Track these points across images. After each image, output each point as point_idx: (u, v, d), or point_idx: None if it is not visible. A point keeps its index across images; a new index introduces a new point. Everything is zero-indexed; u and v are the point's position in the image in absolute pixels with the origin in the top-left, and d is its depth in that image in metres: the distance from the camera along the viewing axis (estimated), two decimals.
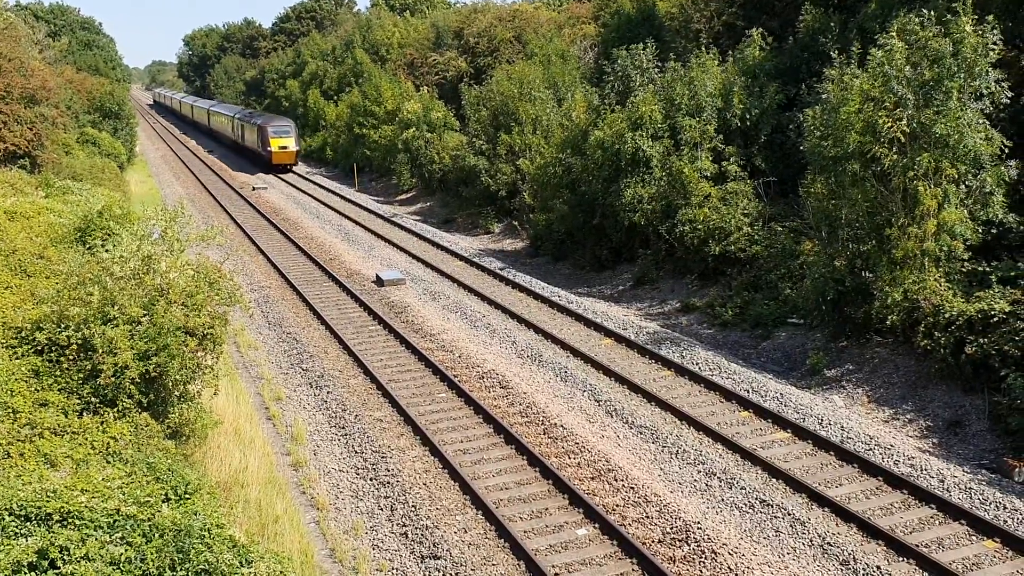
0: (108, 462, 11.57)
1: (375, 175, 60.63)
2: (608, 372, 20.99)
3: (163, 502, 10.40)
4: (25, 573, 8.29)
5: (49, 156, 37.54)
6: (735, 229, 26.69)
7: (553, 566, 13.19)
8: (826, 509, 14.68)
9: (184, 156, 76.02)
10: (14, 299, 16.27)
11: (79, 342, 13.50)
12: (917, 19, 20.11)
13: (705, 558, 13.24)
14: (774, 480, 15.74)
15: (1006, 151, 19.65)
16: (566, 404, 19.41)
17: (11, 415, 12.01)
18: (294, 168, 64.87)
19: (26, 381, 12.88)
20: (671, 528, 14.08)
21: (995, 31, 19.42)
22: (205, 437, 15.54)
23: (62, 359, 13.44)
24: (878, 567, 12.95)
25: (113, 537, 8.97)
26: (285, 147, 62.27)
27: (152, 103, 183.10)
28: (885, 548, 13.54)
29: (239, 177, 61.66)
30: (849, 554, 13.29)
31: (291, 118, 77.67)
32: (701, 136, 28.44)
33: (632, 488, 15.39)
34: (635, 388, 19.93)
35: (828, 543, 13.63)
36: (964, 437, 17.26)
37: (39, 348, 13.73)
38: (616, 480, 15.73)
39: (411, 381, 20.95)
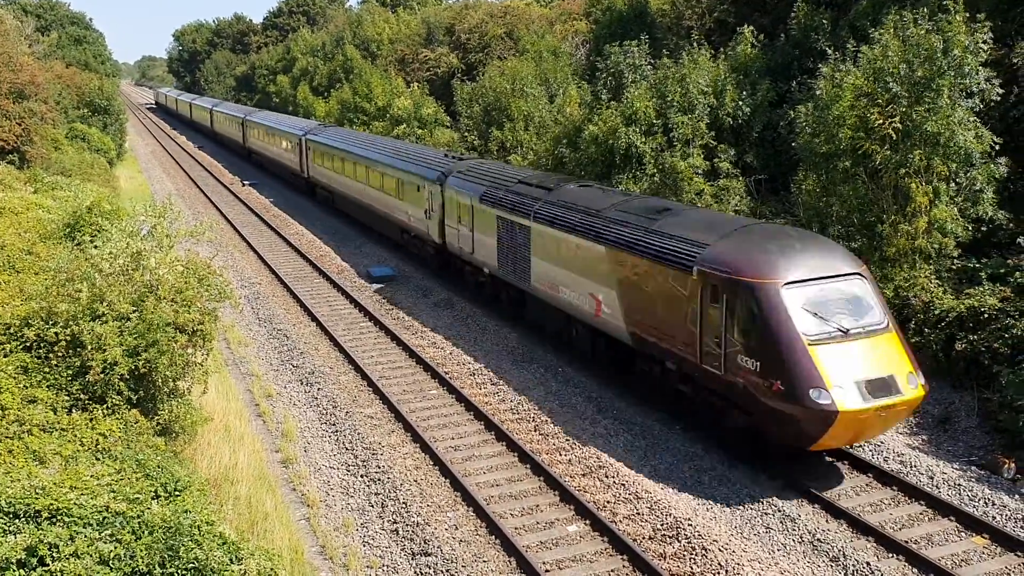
0: (97, 459, 11.51)
1: None
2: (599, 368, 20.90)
3: (153, 499, 10.36)
4: (14, 570, 8.24)
5: (38, 151, 37.35)
6: None
7: (543, 562, 13.19)
8: (816, 506, 14.71)
9: (174, 152, 75.71)
10: (2, 295, 16.18)
11: (68, 338, 13.43)
12: (912, 15, 20.18)
13: (696, 554, 13.25)
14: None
15: (996, 149, 19.73)
16: (557, 400, 19.39)
17: None
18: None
19: (14, 378, 12.81)
20: (662, 524, 14.09)
21: (986, 30, 19.49)
22: (195, 434, 15.47)
23: (51, 355, 13.37)
24: (867, 563, 12.98)
25: (102, 534, 8.93)
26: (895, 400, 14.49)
27: (154, 105, 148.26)
28: (875, 544, 13.57)
29: None
30: (839, 550, 13.31)
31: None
32: (693, 133, 28.45)
33: (623, 484, 15.40)
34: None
35: (818, 539, 13.65)
36: (954, 434, 17.31)
37: (27, 344, 13.65)
38: (607, 476, 15.74)
39: (402, 378, 20.91)
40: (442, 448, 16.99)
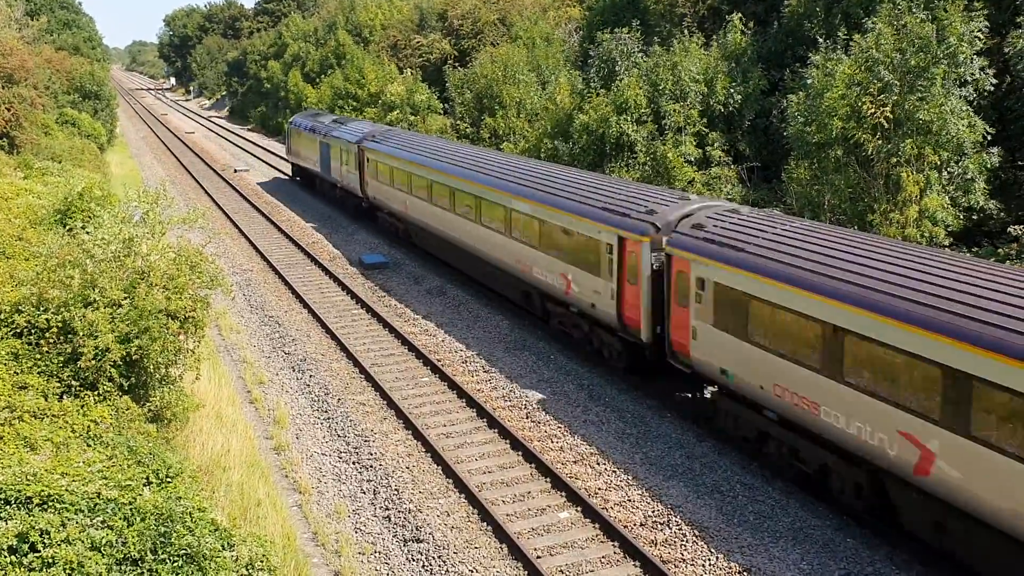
0: (89, 445, 11.49)
1: None
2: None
3: (144, 485, 10.36)
4: (5, 556, 8.23)
5: (28, 137, 37.12)
6: None
7: (535, 549, 13.23)
8: (805, 494, 14.79)
9: (165, 137, 75.31)
10: None
11: (59, 325, 13.38)
12: (906, 3, 20.19)
13: (687, 541, 13.31)
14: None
15: (988, 138, 19.78)
16: (549, 388, 19.42)
17: None
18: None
19: (5, 364, 12.76)
20: (653, 511, 14.16)
21: (981, 18, 19.52)
22: (187, 420, 15.46)
23: (42, 342, 13.32)
24: (854, 548, 13.06)
25: (94, 521, 8.92)
26: None
27: (288, 154, 49.51)
28: (861, 531, 13.67)
29: None
30: (828, 538, 13.41)
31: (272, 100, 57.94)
32: (685, 121, 28.45)
33: (614, 471, 15.46)
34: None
35: (807, 527, 13.75)
36: None
37: (18, 331, 13.59)
38: (599, 463, 15.80)
39: (394, 365, 20.91)
40: (434, 435, 17.02)
